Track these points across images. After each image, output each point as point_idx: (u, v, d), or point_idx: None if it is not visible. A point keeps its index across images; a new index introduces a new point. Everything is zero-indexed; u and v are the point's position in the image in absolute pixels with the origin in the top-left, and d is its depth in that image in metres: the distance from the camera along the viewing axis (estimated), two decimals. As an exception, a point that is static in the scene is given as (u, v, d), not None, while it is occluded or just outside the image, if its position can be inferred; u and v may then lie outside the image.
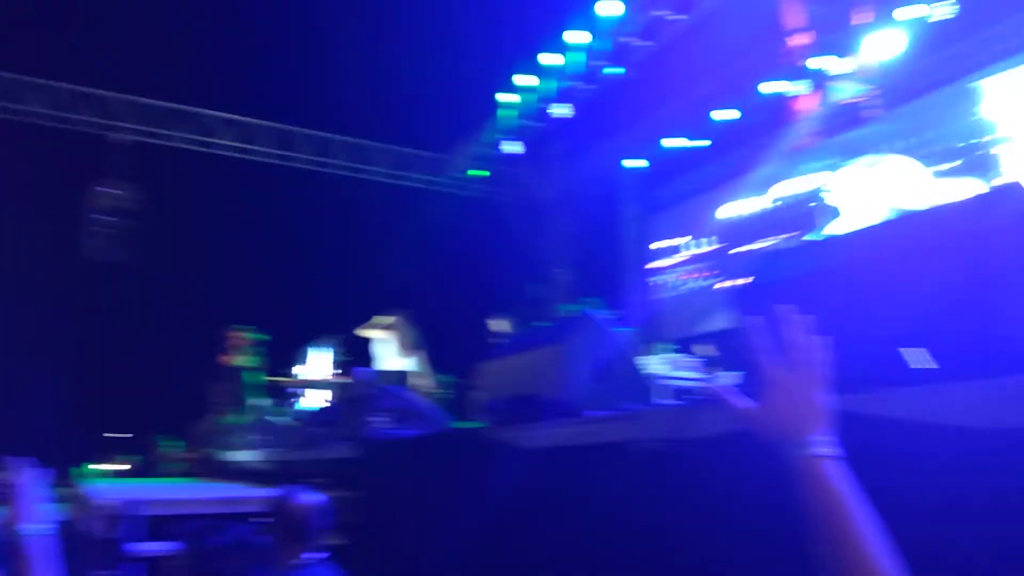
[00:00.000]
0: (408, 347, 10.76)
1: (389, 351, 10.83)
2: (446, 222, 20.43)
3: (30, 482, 2.04)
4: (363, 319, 11.91)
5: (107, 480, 12.88)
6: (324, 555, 3.58)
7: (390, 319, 11.15)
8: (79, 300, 26.96)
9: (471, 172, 20.94)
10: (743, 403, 1.28)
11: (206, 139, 18.82)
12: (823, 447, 1.17)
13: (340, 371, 11.95)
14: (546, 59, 16.37)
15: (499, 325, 9.77)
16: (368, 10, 20.86)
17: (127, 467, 18.13)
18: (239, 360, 11.11)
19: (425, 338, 11.27)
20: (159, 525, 4.88)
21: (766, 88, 14.00)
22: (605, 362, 4.13)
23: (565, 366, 3.90)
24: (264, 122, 19.39)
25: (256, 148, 19.31)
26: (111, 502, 4.74)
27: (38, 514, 2.00)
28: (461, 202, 21.41)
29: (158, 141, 18.28)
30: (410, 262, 20.78)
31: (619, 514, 3.13)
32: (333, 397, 10.81)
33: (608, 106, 17.03)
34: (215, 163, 19.37)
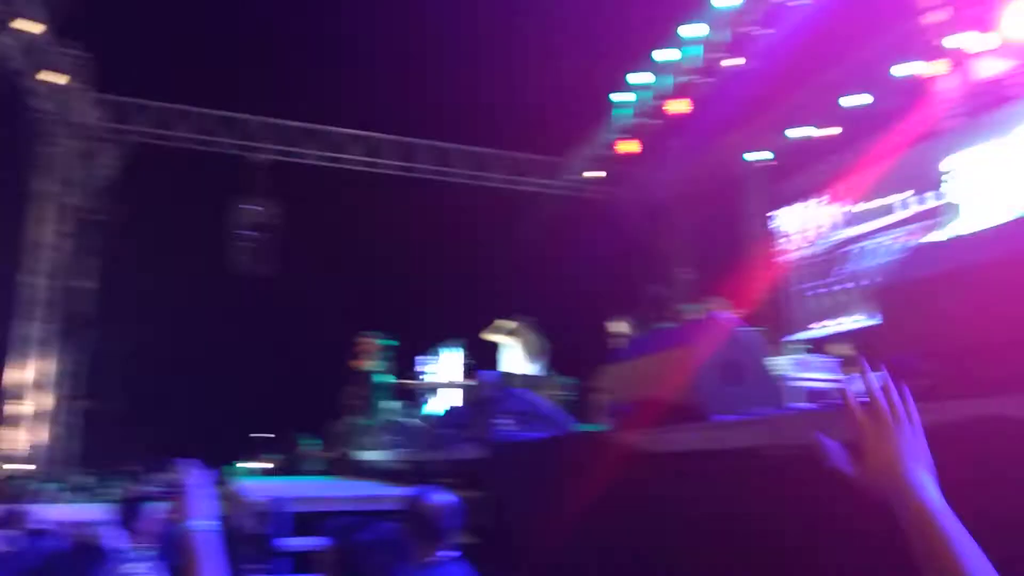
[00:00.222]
0: (532, 352, 10.88)
1: (514, 355, 10.98)
2: (564, 224, 20.51)
3: (196, 481, 2.18)
4: (487, 322, 12.14)
5: (254, 478, 13.76)
6: (457, 554, 3.68)
7: (513, 324, 11.30)
8: (226, 310, 28.99)
9: (587, 173, 20.89)
10: (839, 458, 1.24)
11: (336, 155, 19.85)
12: (916, 490, 1.12)
13: (466, 374, 12.23)
14: (661, 55, 16.11)
15: (618, 327, 9.68)
16: (480, 21, 21.29)
17: (271, 465, 19.29)
18: (369, 364, 11.59)
19: (549, 339, 11.35)
20: (304, 521, 5.18)
21: (900, 70, 13.15)
22: (733, 364, 4.03)
23: (691, 369, 3.83)
24: (389, 136, 20.22)
25: (382, 161, 20.17)
26: (260, 499, 5.07)
27: (204, 511, 2.12)
28: (578, 204, 21.43)
29: (293, 159, 19.48)
30: (530, 265, 20.99)
31: (750, 523, 3.05)
32: (461, 399, 11.08)
33: (728, 99, 16.53)
34: (344, 177, 20.38)
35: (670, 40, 15.80)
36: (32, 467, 16.40)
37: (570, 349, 12.07)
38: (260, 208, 17.96)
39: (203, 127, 18.89)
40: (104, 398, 22.21)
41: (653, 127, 18.19)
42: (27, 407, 17.02)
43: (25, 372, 17.20)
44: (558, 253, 20.01)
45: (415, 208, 22.67)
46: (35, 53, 16.08)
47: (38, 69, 16.44)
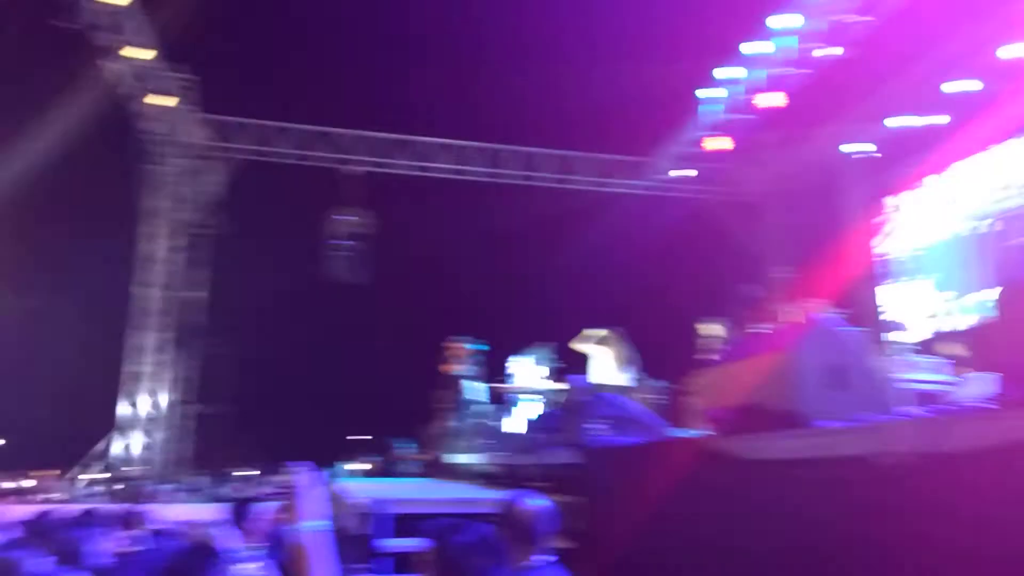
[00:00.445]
0: (621, 362, 10.76)
1: (602, 365, 10.91)
2: (652, 225, 20.22)
3: (309, 483, 2.25)
4: (574, 325, 12.10)
5: (353, 479, 14.16)
6: (553, 558, 3.67)
7: (603, 333, 11.22)
8: (325, 317, 30.08)
9: (675, 172, 20.53)
10: None
11: (424, 164, 20.29)
12: None
13: (555, 378, 12.21)
14: (751, 48, 15.67)
15: (710, 329, 9.44)
16: (561, 24, 21.30)
17: (368, 467, 19.81)
18: (460, 369, 11.74)
19: (637, 350, 11.21)
20: (402, 522, 5.29)
21: (1009, 52, 12.30)
22: (837, 367, 3.87)
23: (793, 373, 3.71)
24: (475, 143, 20.50)
25: (469, 168, 20.47)
26: (361, 500, 5.21)
27: (317, 512, 2.20)
28: (666, 204, 21.08)
29: (384, 170, 20.04)
30: (617, 267, 20.80)
31: (858, 534, 2.92)
32: (551, 404, 11.08)
33: (824, 90, 15.92)
34: (432, 186, 20.82)
35: (761, 32, 15.36)
36: (147, 469, 17.44)
37: (660, 352, 11.87)
38: (355, 218, 18.55)
39: (301, 142, 19.69)
40: (214, 402, 23.41)
41: (744, 122, 17.71)
42: (143, 412, 18.12)
43: (141, 379, 18.32)
44: (646, 254, 19.76)
45: (502, 213, 22.87)
46: (145, 78, 17.15)
47: (148, 93, 17.53)
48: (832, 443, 3.21)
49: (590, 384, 7.42)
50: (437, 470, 11.36)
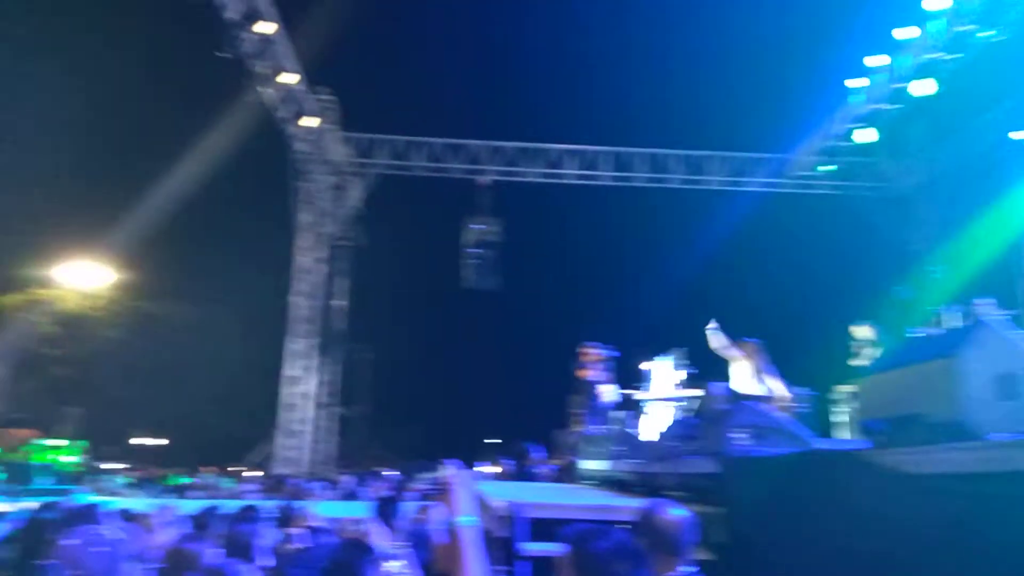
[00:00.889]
0: (761, 373, 10.34)
1: (742, 373, 10.53)
2: (793, 224, 19.34)
3: (461, 480, 2.32)
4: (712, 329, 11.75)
5: (489, 482, 14.40)
6: (695, 570, 3.58)
7: (744, 344, 10.83)
8: (459, 323, 30.93)
9: (819, 168, 19.50)
10: None
11: (552, 170, 20.42)
12: None
13: (688, 384, 11.91)
14: (901, 33, 14.67)
15: (863, 332, 8.88)
16: (693, 21, 20.81)
17: (500, 470, 20.07)
18: (592, 374, 11.68)
19: (775, 358, 10.72)
20: (539, 526, 5.32)
21: None
22: (1009, 376, 3.54)
23: (959, 381, 3.42)
24: (603, 148, 20.41)
25: (596, 173, 20.40)
26: (500, 503, 5.28)
27: (469, 508, 2.26)
28: (809, 202, 20.09)
29: (513, 178, 20.36)
30: (755, 268, 20.03)
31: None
32: (686, 411, 10.80)
33: (982, 74, 14.65)
34: (561, 192, 20.91)
35: (911, 16, 14.35)
36: (299, 468, 18.53)
37: (805, 357, 11.33)
38: (486, 226, 18.93)
39: (434, 155, 20.35)
40: (355, 405, 24.61)
41: (893, 112, 16.58)
42: (297, 414, 19.29)
43: (294, 383, 19.52)
44: (789, 254, 18.93)
45: (631, 217, 22.66)
46: (293, 101, 18.32)
47: (296, 115, 18.71)
48: (1006, 457, 2.94)
49: (731, 392, 7.17)
50: (570, 475, 11.34)
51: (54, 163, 29.78)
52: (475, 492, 2.35)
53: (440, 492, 2.33)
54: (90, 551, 2.12)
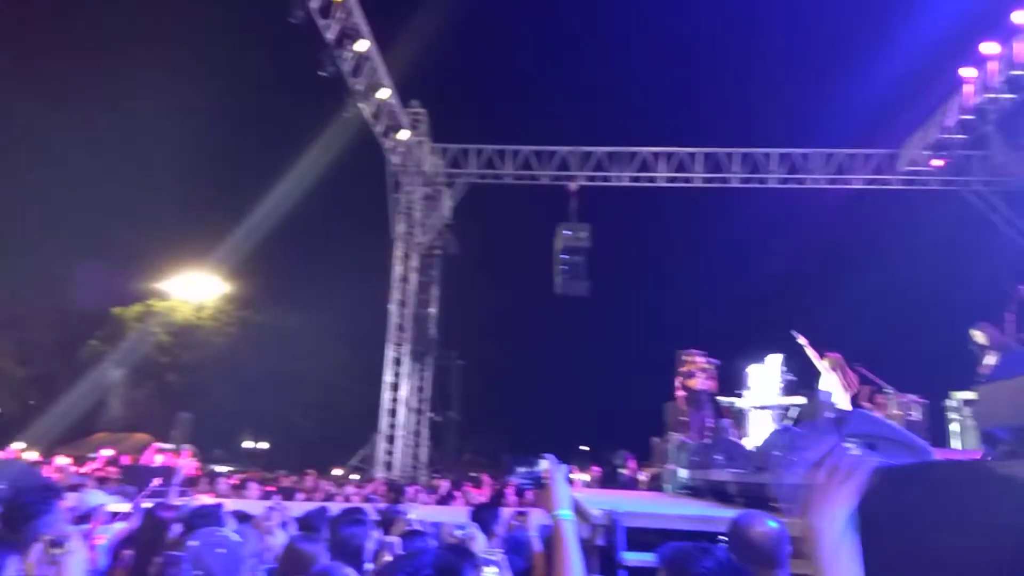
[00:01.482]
0: (845, 388, 9.88)
1: (831, 386, 10.10)
2: (900, 222, 18.38)
3: (559, 474, 2.30)
4: (813, 336, 11.32)
5: (583, 489, 14.31)
6: None
7: (831, 357, 10.38)
8: (550, 329, 30.94)
9: (936, 162, 18.42)
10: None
11: (643, 174, 20.16)
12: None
13: (789, 391, 11.50)
14: (1019, 17, 13.74)
15: (983, 337, 8.30)
16: (789, 13, 20.15)
17: (589, 478, 19.94)
18: (692, 381, 11.44)
19: (888, 365, 10.20)
20: (633, 535, 5.23)
21: None
22: None
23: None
24: (694, 149, 20.00)
25: (689, 175, 20.00)
26: (599, 511, 5.23)
27: (566, 502, 2.24)
28: (917, 198, 19.06)
29: (603, 183, 20.23)
30: (861, 268, 19.14)
31: None
32: (787, 418, 10.45)
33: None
34: (651, 195, 20.62)
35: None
36: (395, 472, 18.95)
37: (918, 363, 10.74)
38: (575, 232, 18.89)
39: (523, 162, 20.48)
40: (446, 411, 24.97)
41: (1009, 102, 15.53)
42: (395, 419, 19.76)
43: (392, 389, 20.00)
44: (896, 254, 18.01)
45: (725, 219, 22.10)
46: (387, 115, 18.84)
47: (390, 129, 19.24)
48: None
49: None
50: (664, 484, 11.14)
51: (167, 183, 31.72)
52: (569, 486, 2.31)
53: (537, 486, 2.32)
54: (213, 552, 2.22)
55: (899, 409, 11.71)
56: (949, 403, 11.02)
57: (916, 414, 11.73)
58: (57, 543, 2.38)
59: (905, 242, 18.11)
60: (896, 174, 19.19)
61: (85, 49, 30.38)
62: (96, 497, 4.79)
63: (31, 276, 31.54)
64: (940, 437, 10.78)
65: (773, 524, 3.24)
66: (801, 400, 10.50)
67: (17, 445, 15.48)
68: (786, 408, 10.74)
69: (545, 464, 2.33)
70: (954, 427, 10.83)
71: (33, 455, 14.09)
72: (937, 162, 18.31)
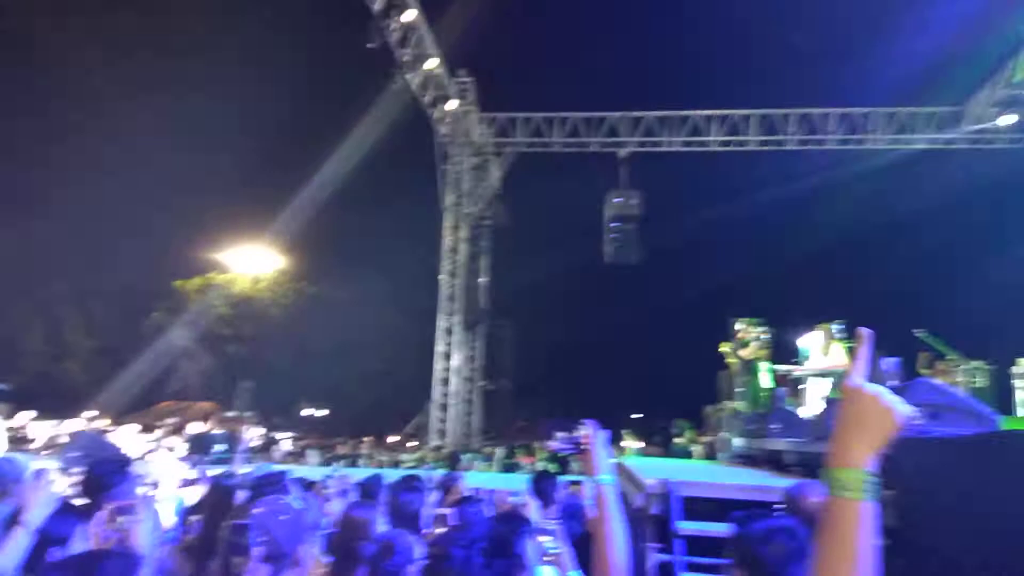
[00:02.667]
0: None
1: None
2: (966, 182, 17.62)
3: (600, 439, 2.30)
4: (870, 302, 11.02)
5: (637, 458, 14.33)
6: None
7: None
8: (601, 298, 30.80)
9: (1001, 120, 17.56)
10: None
11: (695, 138, 19.72)
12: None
13: (847, 358, 11.22)
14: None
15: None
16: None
17: (651, 447, 19.93)
18: (745, 350, 11.27)
19: (952, 330, 9.86)
20: (690, 504, 5.20)
21: None
22: None
23: None
24: (748, 111, 19.45)
25: (743, 138, 19.49)
26: (654, 480, 5.21)
27: (607, 466, 2.25)
28: (984, 157, 18.23)
29: (654, 148, 19.86)
30: (923, 230, 18.48)
31: None
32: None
33: None
34: (704, 160, 20.18)
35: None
36: (448, 440, 19.24)
37: (982, 328, 10.37)
38: (626, 199, 18.65)
39: (572, 130, 20.24)
40: (497, 379, 25.17)
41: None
42: (448, 388, 20.02)
43: (445, 358, 20.23)
44: (961, 214, 17.31)
45: (780, 182, 21.52)
46: (435, 86, 18.80)
47: (438, 99, 19.20)
48: None
49: (899, 369, 6.64)
50: (719, 453, 11.05)
51: (225, 160, 32.43)
52: (610, 451, 2.30)
53: (577, 451, 2.33)
54: (278, 519, 2.27)
55: (964, 376, 11.36)
56: (1015, 370, 10.65)
57: (982, 380, 11.35)
58: (126, 510, 2.47)
59: (970, 203, 17.36)
60: (961, 132, 18.38)
61: (152, 35, 31.18)
62: (165, 465, 4.97)
63: (98, 251, 32.77)
64: (1007, 405, 10.44)
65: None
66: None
67: (88, 414, 16.17)
68: (843, 375, 10.50)
69: (585, 430, 2.32)
70: (1021, 395, 10.47)
71: (103, 424, 14.71)
72: (1007, 119, 17.45)
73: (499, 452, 15.29)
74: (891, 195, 20.21)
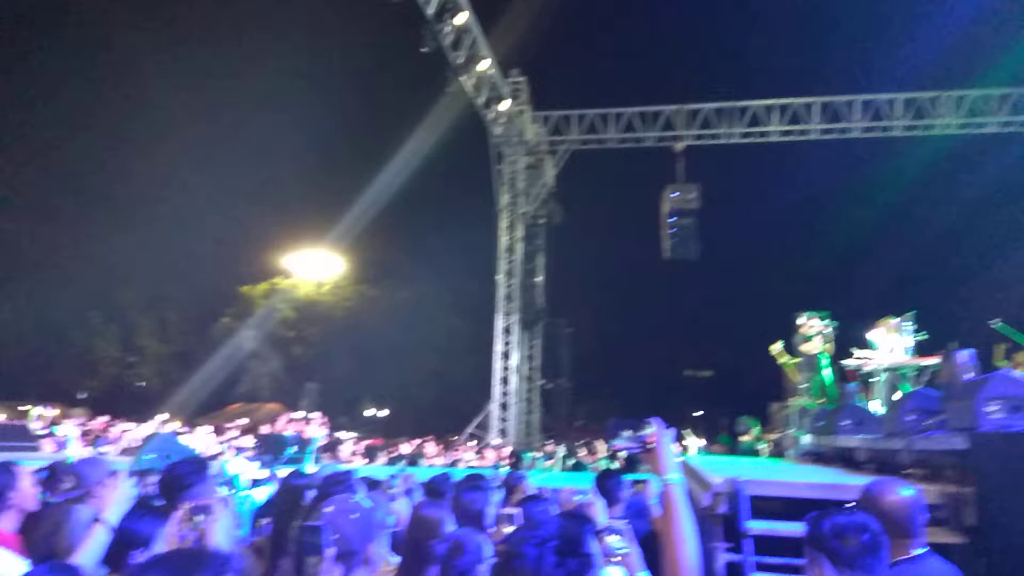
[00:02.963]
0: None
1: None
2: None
3: (667, 437, 2.29)
4: (940, 292, 10.60)
5: (703, 456, 14.12)
6: (928, 551, 3.26)
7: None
8: (657, 294, 30.47)
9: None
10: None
11: (754, 129, 19.29)
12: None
13: (917, 352, 10.81)
14: None
15: None
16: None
17: (714, 444, 19.61)
18: (810, 345, 10.99)
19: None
20: (758, 503, 5.09)
21: None
22: None
23: None
24: (810, 99, 18.94)
25: (804, 127, 18.98)
26: (720, 478, 5.12)
27: (674, 465, 2.23)
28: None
29: (712, 141, 19.53)
30: (994, 218, 17.68)
31: None
32: (918, 381, 9.87)
33: None
34: (763, 151, 19.75)
35: None
36: (508, 439, 19.30)
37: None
38: (682, 193, 18.40)
39: (626, 125, 20.06)
40: (556, 378, 25.12)
41: None
42: (507, 387, 20.10)
43: (504, 358, 20.31)
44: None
45: (843, 172, 20.90)
46: (488, 86, 18.87)
47: (491, 100, 19.27)
48: None
49: (975, 361, 6.38)
50: (786, 451, 10.80)
51: (288, 168, 33.36)
52: (677, 448, 2.29)
53: (643, 450, 2.30)
54: (348, 518, 2.31)
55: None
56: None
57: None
58: (202, 510, 2.55)
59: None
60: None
61: (216, 45, 32.28)
62: (237, 465, 5.12)
63: (170, 260, 34.05)
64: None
65: (908, 492, 3.08)
66: (933, 361, 9.88)
67: (161, 417, 16.80)
68: (918, 370, 10.12)
69: (651, 428, 2.30)
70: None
71: (175, 425, 15.25)
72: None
73: (560, 451, 15.24)
74: (960, 182, 19.43)
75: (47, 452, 9.71)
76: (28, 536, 3.03)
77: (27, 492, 3.14)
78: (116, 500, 2.78)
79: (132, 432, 13.00)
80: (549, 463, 14.27)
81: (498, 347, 20.24)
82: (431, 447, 14.38)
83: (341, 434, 22.65)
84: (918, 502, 3.06)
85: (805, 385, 10.75)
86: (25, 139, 31.46)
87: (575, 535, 1.67)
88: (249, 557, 3.96)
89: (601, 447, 14.49)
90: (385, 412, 41.32)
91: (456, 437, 19.57)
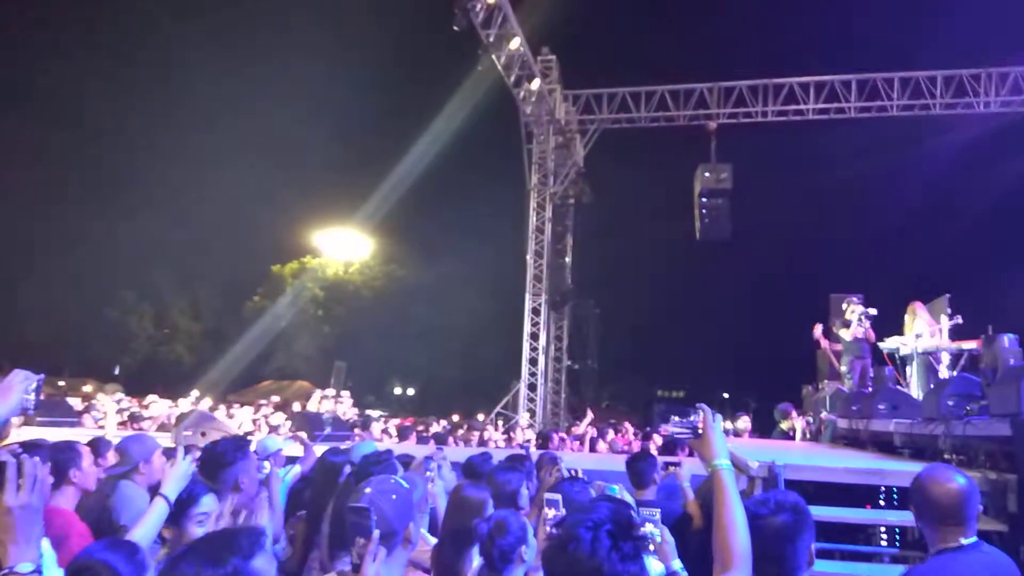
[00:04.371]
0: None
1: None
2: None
3: (715, 423, 2.30)
4: (979, 274, 10.33)
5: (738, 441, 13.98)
6: (977, 541, 3.18)
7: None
8: (689, 275, 30.16)
9: None
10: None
11: (789, 107, 18.87)
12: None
13: (956, 335, 10.56)
14: None
15: None
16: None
17: (747, 428, 19.43)
18: (845, 328, 10.80)
19: None
20: (798, 488, 5.03)
21: None
22: None
23: None
24: (847, 76, 18.46)
25: (841, 105, 18.53)
26: (757, 463, 5.06)
27: (723, 450, 2.23)
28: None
29: (746, 120, 19.13)
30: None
31: None
32: (959, 366, 9.64)
33: None
34: (798, 130, 19.32)
35: None
36: (536, 419, 19.33)
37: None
38: (714, 173, 18.13)
39: (657, 104, 19.76)
40: (585, 359, 25.10)
41: None
42: (535, 367, 20.09)
43: (533, 338, 20.28)
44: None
45: (882, 151, 20.43)
46: (518, 65, 18.69)
47: (522, 79, 19.09)
48: None
49: (1019, 344, 6.20)
50: (823, 435, 10.67)
51: (318, 149, 33.54)
52: (724, 434, 2.29)
53: (695, 436, 2.28)
54: (388, 498, 2.31)
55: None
56: None
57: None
58: (247, 486, 2.58)
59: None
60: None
61: (248, 31, 32.53)
62: (273, 442, 5.17)
63: (203, 239, 34.53)
64: None
65: (961, 479, 2.99)
66: (972, 344, 9.65)
67: (194, 393, 17.10)
68: (957, 353, 9.88)
69: (701, 414, 2.31)
70: None
71: (208, 402, 15.50)
72: None
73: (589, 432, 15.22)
74: (1002, 161, 18.89)
75: (87, 428, 9.92)
76: (79, 512, 3.10)
77: (89, 471, 3.22)
78: (174, 476, 2.86)
79: (168, 409, 13.22)
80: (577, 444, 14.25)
81: (527, 327, 20.21)
82: (459, 427, 14.44)
83: (370, 412, 22.91)
84: (971, 490, 2.97)
85: (845, 369, 10.57)
86: (73, 124, 32.24)
87: (627, 518, 1.65)
88: (287, 532, 4.01)
89: (630, 429, 14.45)
90: (411, 391, 41.66)
91: (485, 417, 19.66)
